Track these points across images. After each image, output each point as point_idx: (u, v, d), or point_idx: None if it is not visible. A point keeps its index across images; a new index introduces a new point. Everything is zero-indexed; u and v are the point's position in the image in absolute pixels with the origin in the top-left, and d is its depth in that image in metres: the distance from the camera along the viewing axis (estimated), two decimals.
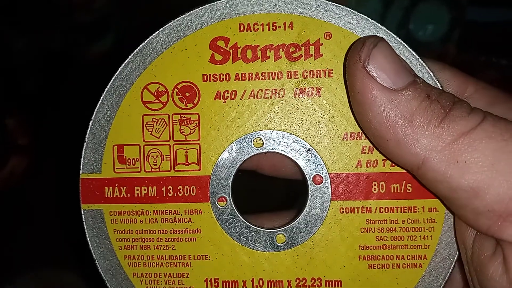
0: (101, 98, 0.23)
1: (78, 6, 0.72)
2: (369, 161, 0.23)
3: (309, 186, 0.23)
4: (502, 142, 0.18)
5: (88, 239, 0.24)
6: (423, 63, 0.22)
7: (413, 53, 0.22)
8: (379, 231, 0.23)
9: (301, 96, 0.23)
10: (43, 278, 0.61)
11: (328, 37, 0.22)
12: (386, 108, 0.19)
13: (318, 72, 0.22)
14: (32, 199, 0.66)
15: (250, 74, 0.23)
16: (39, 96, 0.75)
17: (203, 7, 0.23)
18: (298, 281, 0.23)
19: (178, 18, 0.23)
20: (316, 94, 0.23)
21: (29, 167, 0.67)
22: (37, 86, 0.76)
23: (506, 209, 0.17)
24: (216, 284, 0.24)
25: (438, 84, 0.22)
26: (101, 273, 0.24)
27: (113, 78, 0.23)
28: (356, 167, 0.23)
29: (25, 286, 0.61)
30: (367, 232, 0.23)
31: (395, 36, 0.22)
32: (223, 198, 0.23)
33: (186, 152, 0.23)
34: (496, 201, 0.17)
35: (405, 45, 0.22)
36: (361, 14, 0.22)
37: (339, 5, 0.22)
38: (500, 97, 0.23)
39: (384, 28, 0.22)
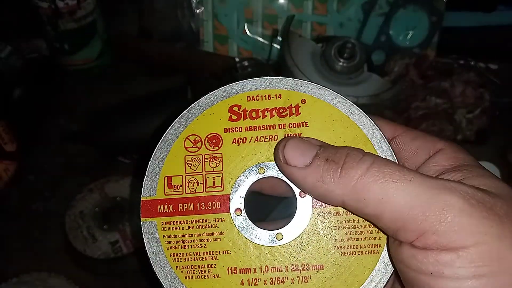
0: (157, 146, 0.36)
1: (63, 14, 0.76)
2: None
3: (297, 199, 0.34)
4: (385, 182, 0.26)
5: (145, 243, 0.34)
6: (367, 116, 0.34)
7: (360, 110, 0.34)
8: (347, 228, 0.33)
9: None
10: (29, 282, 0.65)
11: (304, 102, 0.35)
12: (306, 179, 0.29)
13: (299, 124, 0.35)
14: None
15: (255, 127, 0.35)
16: (26, 103, 0.85)
17: (224, 87, 0.36)
18: (292, 266, 0.33)
19: (208, 94, 0.36)
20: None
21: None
22: (24, 93, 0.85)
23: (396, 226, 0.27)
24: (234, 271, 0.33)
25: (378, 130, 0.34)
26: (153, 266, 0.34)
27: (165, 134, 0.36)
28: None
29: None
30: (338, 229, 0.33)
31: (347, 98, 0.35)
32: (239, 210, 0.34)
33: (214, 179, 0.35)
34: (390, 222, 0.27)
35: (355, 106, 0.34)
36: (325, 87, 0.35)
37: (309, 82, 0.36)
38: (419, 135, 0.34)
39: (337, 93, 0.35)
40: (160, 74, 0.89)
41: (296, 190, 0.34)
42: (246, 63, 0.81)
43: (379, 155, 0.32)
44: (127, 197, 0.72)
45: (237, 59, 0.85)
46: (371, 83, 0.66)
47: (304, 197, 0.34)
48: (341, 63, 0.66)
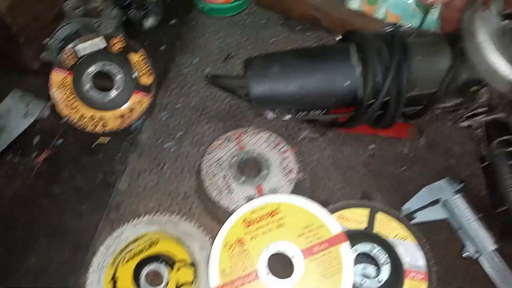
0: (210, 252, 0.54)
1: None
2: None
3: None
4: None
5: None
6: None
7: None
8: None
9: None
10: None
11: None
12: None
13: (282, 217, 0.59)
14: None
15: (260, 226, 0.59)
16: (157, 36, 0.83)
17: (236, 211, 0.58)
18: None
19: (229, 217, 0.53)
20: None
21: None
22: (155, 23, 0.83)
23: None
24: None
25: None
26: None
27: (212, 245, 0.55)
28: None
29: None
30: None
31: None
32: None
33: (246, 262, 0.57)
34: None
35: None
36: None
37: (283, 195, 0.59)
38: None
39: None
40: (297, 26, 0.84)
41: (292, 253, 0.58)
42: (404, 29, 0.74)
43: (331, 228, 0.59)
44: (264, 152, 0.69)
45: (385, 23, 0.79)
46: None
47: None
48: None
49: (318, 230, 0.59)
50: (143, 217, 0.64)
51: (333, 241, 0.58)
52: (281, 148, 0.70)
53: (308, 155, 0.73)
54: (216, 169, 0.67)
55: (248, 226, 0.60)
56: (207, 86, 0.77)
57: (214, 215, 0.67)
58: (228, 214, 0.61)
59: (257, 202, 0.61)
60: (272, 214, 0.60)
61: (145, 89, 0.74)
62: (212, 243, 0.59)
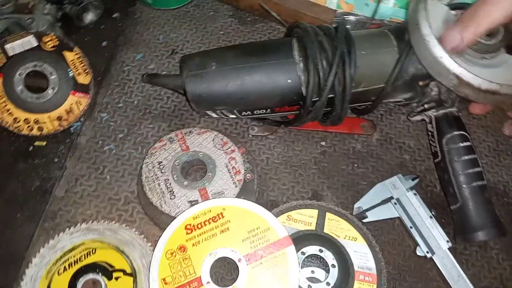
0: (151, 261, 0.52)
1: None
2: None
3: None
4: None
5: None
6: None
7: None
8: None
9: None
10: None
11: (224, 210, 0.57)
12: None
13: (226, 222, 0.57)
14: None
15: (202, 232, 0.56)
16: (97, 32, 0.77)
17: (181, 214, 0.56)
18: None
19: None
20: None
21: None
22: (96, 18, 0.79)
23: None
24: None
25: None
26: None
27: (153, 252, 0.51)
28: None
29: None
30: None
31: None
32: (208, 282, 0.54)
33: (188, 270, 0.54)
34: None
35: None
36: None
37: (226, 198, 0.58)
38: None
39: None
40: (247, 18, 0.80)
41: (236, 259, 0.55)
42: (348, 18, 0.72)
43: (276, 232, 0.57)
44: (209, 153, 0.65)
45: (337, 12, 0.76)
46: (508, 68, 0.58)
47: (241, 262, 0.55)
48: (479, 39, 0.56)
49: (264, 234, 0.56)
50: (80, 225, 0.61)
51: (279, 245, 0.56)
52: (228, 149, 0.66)
53: (257, 155, 0.70)
54: (158, 173, 0.64)
55: (190, 232, 0.57)
56: (151, 84, 0.73)
57: (156, 222, 0.64)
58: (171, 219, 0.58)
59: (199, 207, 0.58)
60: (216, 218, 0.57)
61: (83, 88, 0.69)
62: (153, 251, 0.56)
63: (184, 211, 0.58)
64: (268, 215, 0.58)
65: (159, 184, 0.63)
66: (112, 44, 0.77)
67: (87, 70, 0.69)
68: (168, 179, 0.63)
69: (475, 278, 0.63)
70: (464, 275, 0.61)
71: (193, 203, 0.62)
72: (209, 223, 0.57)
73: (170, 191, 0.63)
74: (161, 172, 0.64)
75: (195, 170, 0.67)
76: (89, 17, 0.78)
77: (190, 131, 0.67)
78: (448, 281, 0.61)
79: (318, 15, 0.78)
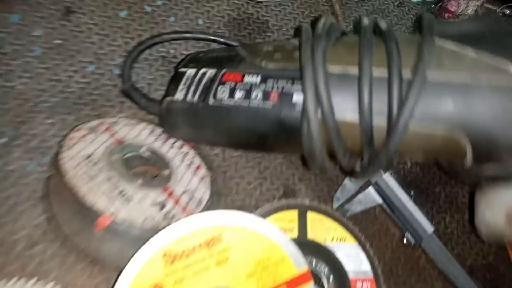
0: None
1: None
2: None
3: None
4: None
5: None
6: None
7: None
8: None
9: None
10: None
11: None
12: None
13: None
14: None
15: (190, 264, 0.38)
16: None
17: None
18: None
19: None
20: None
21: None
22: None
23: None
24: None
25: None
26: None
27: None
28: None
29: None
30: None
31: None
32: None
33: None
34: None
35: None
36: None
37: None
38: None
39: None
40: None
41: None
42: None
43: (293, 263, 0.41)
44: (154, 146, 0.47)
45: None
46: None
47: None
48: None
49: (277, 267, 0.40)
50: None
51: (296, 283, 0.41)
52: (174, 142, 0.49)
53: (209, 148, 0.53)
54: (91, 169, 0.42)
55: (172, 262, 0.38)
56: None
57: (98, 254, 0.42)
58: (128, 246, 0.39)
59: (186, 226, 0.39)
60: (210, 243, 0.39)
61: None
62: None
63: (151, 217, 0.40)
64: (283, 238, 0.42)
65: (99, 184, 0.41)
66: None
67: None
68: (112, 177, 0.42)
69: (461, 258, 0.58)
70: (451, 257, 0.56)
71: (161, 206, 0.43)
72: (200, 249, 0.38)
73: (121, 193, 0.42)
74: (97, 169, 0.43)
75: (141, 168, 0.48)
76: None
77: (115, 122, 0.48)
78: (438, 265, 0.55)
79: None
